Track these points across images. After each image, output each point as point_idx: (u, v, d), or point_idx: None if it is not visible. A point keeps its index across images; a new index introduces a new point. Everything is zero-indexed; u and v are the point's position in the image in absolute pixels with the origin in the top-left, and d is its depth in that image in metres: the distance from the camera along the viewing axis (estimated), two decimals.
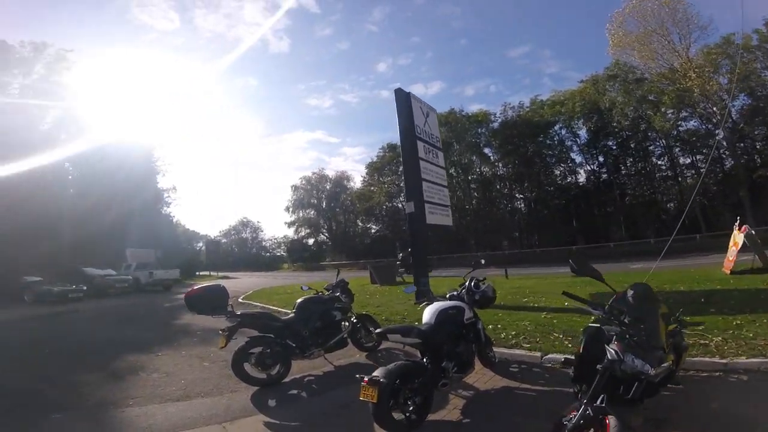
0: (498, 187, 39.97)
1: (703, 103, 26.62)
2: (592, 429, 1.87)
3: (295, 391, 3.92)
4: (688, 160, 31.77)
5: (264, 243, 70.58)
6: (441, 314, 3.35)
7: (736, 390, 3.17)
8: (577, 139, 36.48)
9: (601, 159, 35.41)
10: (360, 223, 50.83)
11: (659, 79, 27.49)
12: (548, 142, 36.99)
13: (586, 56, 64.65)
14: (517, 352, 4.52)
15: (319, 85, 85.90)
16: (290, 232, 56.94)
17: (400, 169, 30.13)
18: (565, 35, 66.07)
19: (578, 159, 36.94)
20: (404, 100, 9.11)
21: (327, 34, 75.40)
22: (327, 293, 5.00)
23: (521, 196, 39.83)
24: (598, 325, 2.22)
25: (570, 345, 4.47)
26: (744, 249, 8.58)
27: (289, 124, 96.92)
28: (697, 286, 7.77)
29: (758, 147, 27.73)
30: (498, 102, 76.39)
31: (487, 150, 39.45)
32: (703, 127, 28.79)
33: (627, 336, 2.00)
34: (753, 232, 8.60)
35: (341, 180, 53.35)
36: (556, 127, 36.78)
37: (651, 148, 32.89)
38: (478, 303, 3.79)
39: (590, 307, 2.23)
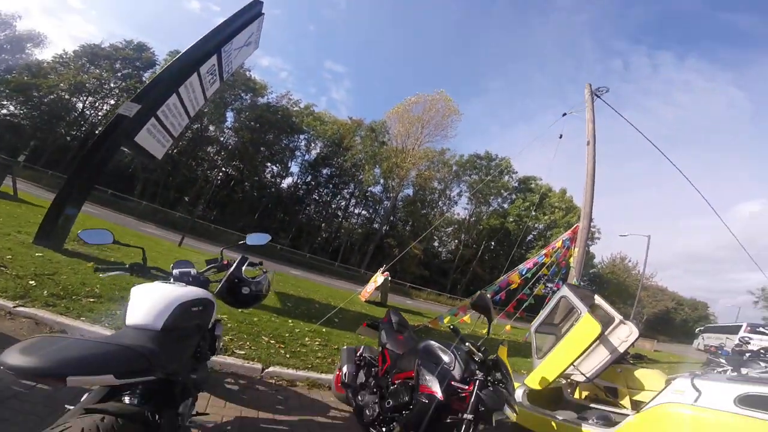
0: (210, 150, 36.96)
1: (392, 181, 37.54)
2: None
3: None
4: (357, 211, 42.15)
5: None
6: (179, 310, 1.63)
7: None
8: (306, 155, 40.03)
9: (308, 179, 40.23)
10: None
11: (393, 150, 36.75)
12: (285, 143, 38.33)
13: (368, 104, 74.30)
14: (229, 360, 3.59)
15: None
16: None
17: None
18: (375, 81, 76.09)
19: (294, 168, 40.30)
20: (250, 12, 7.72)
21: None
22: None
23: (226, 171, 38.17)
24: None
25: (289, 357, 4.10)
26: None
27: None
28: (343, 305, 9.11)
29: (397, 225, 41.23)
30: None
31: (230, 114, 36.36)
32: (379, 195, 40.39)
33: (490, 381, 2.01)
34: (389, 278, 12.32)
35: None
36: (302, 137, 39.18)
37: (345, 191, 40.97)
38: (240, 300, 2.23)
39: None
